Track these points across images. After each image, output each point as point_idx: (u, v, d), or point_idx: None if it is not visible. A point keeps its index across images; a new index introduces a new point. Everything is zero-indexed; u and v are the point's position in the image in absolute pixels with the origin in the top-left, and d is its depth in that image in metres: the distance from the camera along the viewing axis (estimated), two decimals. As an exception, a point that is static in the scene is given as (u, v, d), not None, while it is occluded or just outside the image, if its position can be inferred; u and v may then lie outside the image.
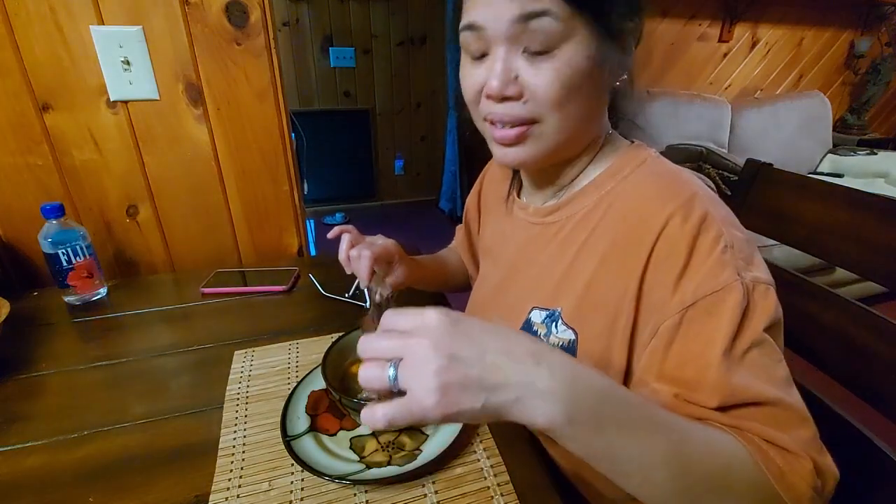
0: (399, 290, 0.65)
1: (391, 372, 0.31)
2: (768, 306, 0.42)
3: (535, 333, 0.54)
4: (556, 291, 0.53)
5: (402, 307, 0.35)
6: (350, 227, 0.63)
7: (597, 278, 0.49)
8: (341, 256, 0.60)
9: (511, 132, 0.47)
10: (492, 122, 0.49)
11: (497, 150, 0.51)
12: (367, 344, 0.33)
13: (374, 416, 0.32)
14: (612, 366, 0.48)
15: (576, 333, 0.50)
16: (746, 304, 0.41)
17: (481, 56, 0.47)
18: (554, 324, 0.52)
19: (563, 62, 0.43)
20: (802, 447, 0.37)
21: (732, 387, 0.39)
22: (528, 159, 0.50)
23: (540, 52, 0.43)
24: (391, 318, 0.34)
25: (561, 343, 0.51)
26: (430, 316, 0.32)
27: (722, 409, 0.39)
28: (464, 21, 0.46)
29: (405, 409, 0.31)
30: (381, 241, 0.64)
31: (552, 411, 0.31)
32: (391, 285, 0.62)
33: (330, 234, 0.63)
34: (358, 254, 0.58)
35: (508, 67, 0.44)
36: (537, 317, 0.54)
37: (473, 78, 0.48)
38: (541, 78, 0.44)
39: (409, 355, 0.31)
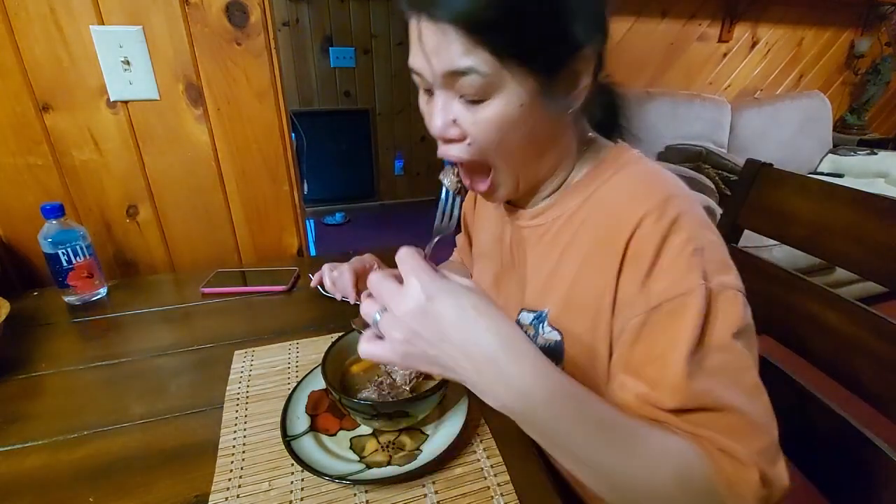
0: None
1: (377, 317, 0.38)
2: (734, 312, 0.42)
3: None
4: (543, 293, 0.53)
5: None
6: (324, 266, 0.68)
7: (579, 279, 0.49)
8: (327, 284, 0.65)
9: (481, 187, 0.51)
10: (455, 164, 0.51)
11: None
12: (373, 279, 0.39)
13: (359, 347, 0.40)
14: (598, 363, 0.48)
15: (561, 334, 0.51)
16: (710, 309, 0.41)
17: (431, 93, 0.47)
18: (541, 325, 0.53)
19: (496, 111, 0.43)
20: (753, 458, 0.38)
21: (692, 391, 0.39)
22: (501, 199, 0.54)
23: (474, 102, 0.44)
24: (404, 261, 0.38)
25: (547, 343, 0.52)
26: (413, 285, 0.36)
27: (680, 411, 0.40)
28: (409, 61, 0.46)
29: (379, 354, 0.39)
30: (355, 258, 0.68)
31: (495, 406, 0.36)
32: None
33: (313, 283, 0.69)
34: (339, 272, 0.62)
35: (447, 111, 0.45)
36: (526, 318, 0.55)
37: (426, 116, 0.49)
38: (478, 126, 0.45)
39: (389, 311, 0.37)
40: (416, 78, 0.47)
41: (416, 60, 0.45)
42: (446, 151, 0.48)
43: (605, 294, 0.46)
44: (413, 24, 0.43)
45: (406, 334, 0.36)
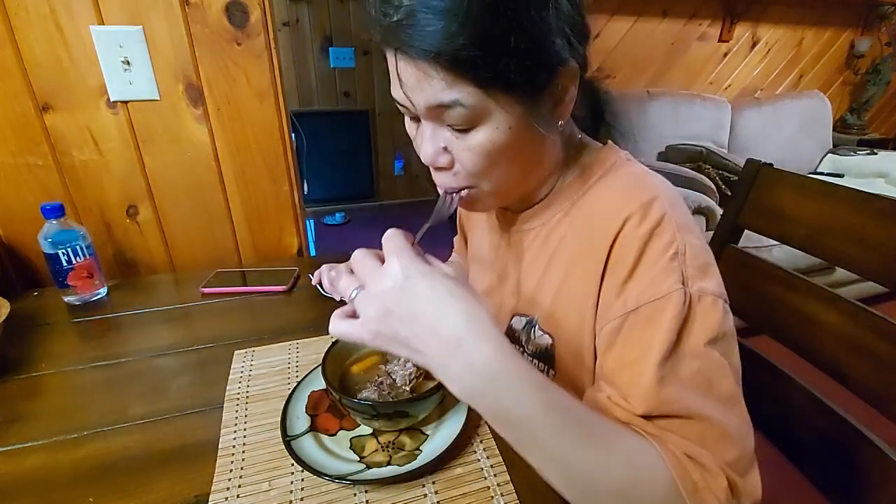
0: None
1: (353, 294, 0.38)
2: (713, 319, 0.41)
3: (517, 339, 0.55)
4: (533, 298, 0.54)
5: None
6: (323, 266, 0.67)
7: (566, 284, 0.49)
8: (325, 285, 0.64)
9: (455, 197, 0.49)
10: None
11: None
12: (356, 256, 0.39)
13: (330, 326, 0.40)
14: (585, 367, 0.48)
15: (552, 338, 0.51)
16: (687, 314, 0.40)
17: (418, 120, 0.47)
18: (532, 329, 0.53)
19: (483, 138, 0.43)
20: (721, 466, 0.37)
21: (661, 397, 0.39)
22: (481, 211, 0.52)
23: (462, 130, 0.43)
24: (389, 240, 0.38)
25: (539, 349, 0.52)
26: (393, 265, 0.36)
27: (647, 417, 0.39)
28: (391, 91, 0.45)
29: (349, 332, 0.39)
30: None
31: (460, 393, 0.36)
32: None
33: (314, 281, 0.68)
34: (336, 273, 0.62)
35: (436, 140, 0.45)
36: (518, 323, 0.55)
37: (415, 142, 0.48)
38: (466, 153, 0.44)
39: (366, 289, 0.38)
40: (400, 108, 0.46)
41: (398, 93, 0.44)
42: (438, 179, 0.48)
43: (590, 298, 0.46)
44: (390, 58, 0.42)
45: (379, 312, 0.36)
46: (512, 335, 0.55)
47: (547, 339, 0.51)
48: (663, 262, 0.41)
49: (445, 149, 0.45)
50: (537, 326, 0.52)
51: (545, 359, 0.51)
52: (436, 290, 0.36)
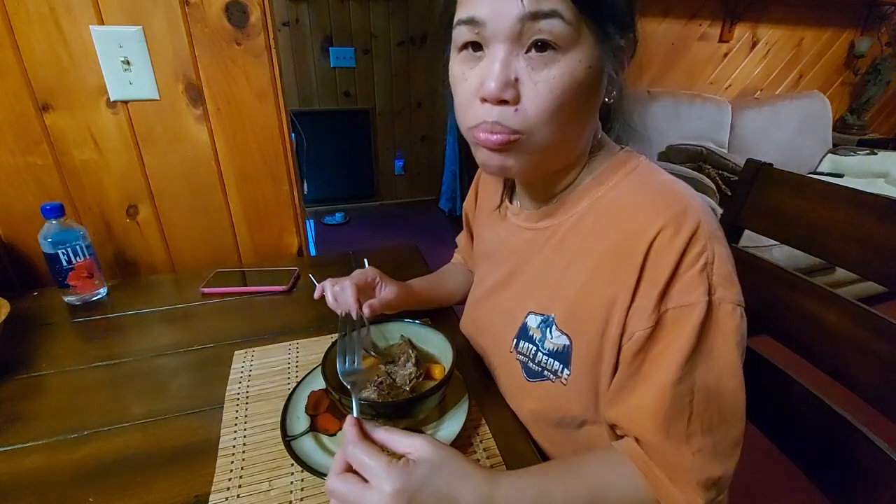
0: (385, 312, 0.68)
1: None
2: (731, 325, 0.43)
3: (531, 338, 0.55)
4: (550, 297, 0.53)
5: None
6: (326, 281, 0.67)
7: (589, 286, 0.49)
8: (329, 300, 0.65)
9: (495, 137, 0.44)
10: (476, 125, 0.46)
11: (481, 155, 0.48)
12: (332, 483, 0.39)
13: None
14: (603, 368, 0.48)
15: (570, 339, 0.50)
16: (709, 321, 0.43)
17: (477, 54, 0.44)
18: (549, 329, 0.52)
19: (564, 69, 0.41)
20: (702, 481, 0.43)
21: (674, 394, 0.43)
22: (513, 168, 0.47)
23: (542, 56, 0.41)
24: (357, 456, 0.39)
25: (556, 348, 0.51)
26: (385, 486, 0.37)
27: (660, 434, 0.44)
28: (462, 14, 0.43)
29: None
30: (357, 271, 0.68)
31: None
32: (375, 308, 0.65)
33: (316, 295, 0.68)
34: (340, 287, 0.64)
35: (508, 69, 0.42)
36: (533, 321, 0.54)
37: (468, 82, 0.45)
38: (542, 85, 0.42)
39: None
40: (465, 34, 0.44)
41: (483, 7, 0.41)
42: (487, 113, 0.44)
43: (619, 303, 0.46)
44: None
45: None
46: (525, 332, 0.55)
47: (564, 340, 0.51)
48: (694, 272, 0.43)
49: (516, 81, 0.42)
50: (554, 326, 0.52)
51: (561, 358, 0.51)
52: (436, 490, 0.38)
